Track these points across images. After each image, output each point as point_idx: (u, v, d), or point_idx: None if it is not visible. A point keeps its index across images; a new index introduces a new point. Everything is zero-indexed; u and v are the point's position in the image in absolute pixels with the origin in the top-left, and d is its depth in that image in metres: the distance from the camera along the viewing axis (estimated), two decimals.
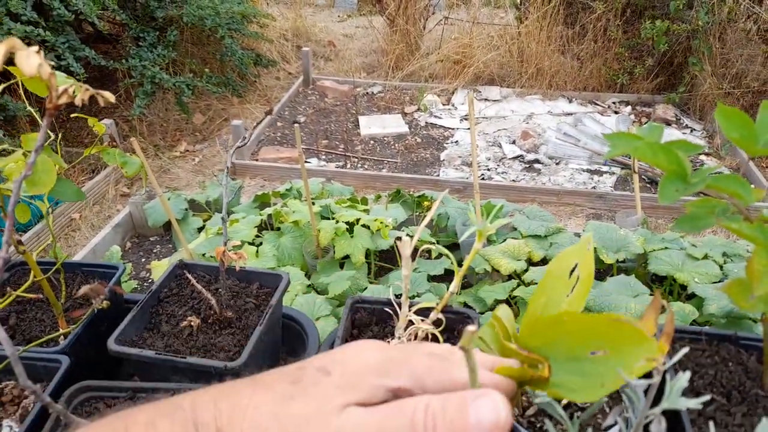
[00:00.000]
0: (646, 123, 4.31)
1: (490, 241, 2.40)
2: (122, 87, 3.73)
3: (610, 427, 0.64)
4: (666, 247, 2.08)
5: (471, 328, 0.41)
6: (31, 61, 0.45)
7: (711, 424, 0.45)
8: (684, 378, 0.42)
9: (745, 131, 0.65)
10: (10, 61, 0.48)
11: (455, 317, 0.75)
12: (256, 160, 3.63)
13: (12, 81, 0.61)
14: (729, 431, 0.61)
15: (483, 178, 3.54)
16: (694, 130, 4.20)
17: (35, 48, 0.46)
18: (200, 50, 4.20)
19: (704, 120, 4.26)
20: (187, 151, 3.79)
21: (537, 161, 3.73)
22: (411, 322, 0.70)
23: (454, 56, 4.69)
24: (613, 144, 0.67)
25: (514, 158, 3.76)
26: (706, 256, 2.09)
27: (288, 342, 0.86)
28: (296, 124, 1.91)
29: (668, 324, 0.65)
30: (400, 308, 0.71)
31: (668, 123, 4.25)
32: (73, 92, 0.50)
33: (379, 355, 0.38)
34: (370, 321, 0.76)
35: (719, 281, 2.02)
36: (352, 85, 4.64)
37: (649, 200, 3.13)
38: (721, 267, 2.03)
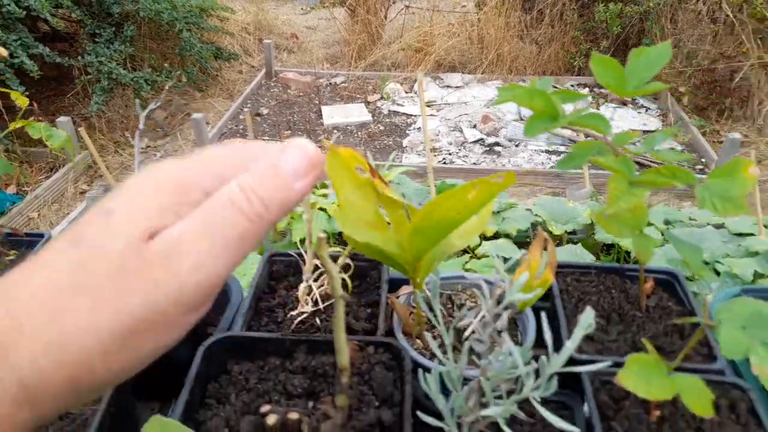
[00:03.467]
0: (603, 104, 4.43)
1: None
2: (79, 84, 3.69)
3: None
4: None
5: (322, 234, 0.45)
6: None
7: (563, 322, 0.50)
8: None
9: (616, 76, 0.71)
10: None
11: (367, 264, 0.80)
12: None
13: None
14: (604, 347, 0.66)
15: (445, 162, 3.60)
16: (649, 109, 4.33)
17: None
18: (159, 45, 4.17)
19: (658, 99, 4.39)
20: (149, 147, 3.77)
21: (497, 144, 3.80)
22: (318, 267, 0.74)
23: (415, 44, 4.74)
24: (500, 94, 0.73)
25: (475, 142, 3.83)
26: (649, 224, 2.18)
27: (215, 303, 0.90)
28: (246, 109, 1.94)
29: (551, 255, 0.70)
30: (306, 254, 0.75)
31: (625, 103, 4.37)
32: None
33: (173, 168, 0.31)
34: (287, 273, 0.80)
35: (660, 246, 2.12)
36: (315, 76, 4.66)
37: (603, 177, 3.23)
38: (662, 233, 2.13)
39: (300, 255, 0.79)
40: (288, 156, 0.31)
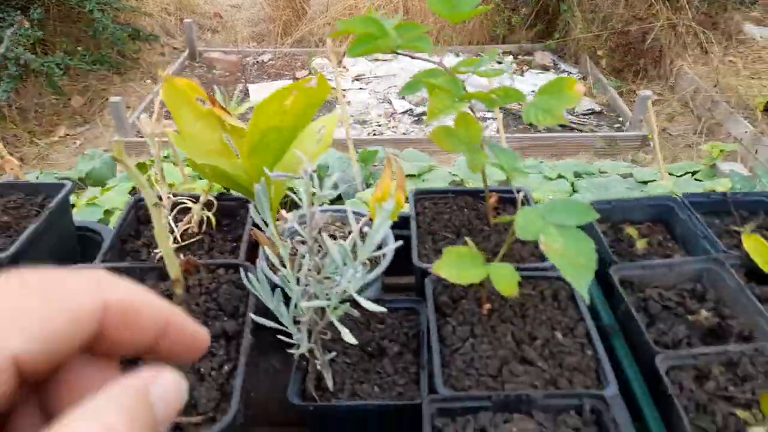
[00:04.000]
0: (527, 71, 4.55)
1: (368, 185, 2.50)
2: None
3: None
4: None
5: (117, 137, 0.47)
6: None
7: (414, 239, 0.54)
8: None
9: (446, 2, 0.75)
10: None
11: (235, 203, 0.82)
12: (141, 137, 3.53)
13: None
14: None
15: (375, 134, 3.64)
16: (570, 73, 4.48)
17: None
18: (72, 28, 3.98)
19: (578, 63, 4.55)
20: (67, 135, 3.62)
21: (425, 114, 3.86)
22: (177, 205, 0.76)
23: (341, 18, 4.72)
24: (339, 26, 0.76)
25: (404, 112, 3.88)
26: (559, 176, 2.29)
27: (89, 252, 0.89)
28: (155, 85, 1.89)
29: (399, 176, 0.74)
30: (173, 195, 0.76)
31: (547, 68, 4.50)
32: None
33: None
34: None
35: (570, 195, 2.25)
36: (241, 55, 4.58)
37: (526, 140, 3.36)
38: (572, 184, 2.24)
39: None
40: (166, 390, 0.21)
